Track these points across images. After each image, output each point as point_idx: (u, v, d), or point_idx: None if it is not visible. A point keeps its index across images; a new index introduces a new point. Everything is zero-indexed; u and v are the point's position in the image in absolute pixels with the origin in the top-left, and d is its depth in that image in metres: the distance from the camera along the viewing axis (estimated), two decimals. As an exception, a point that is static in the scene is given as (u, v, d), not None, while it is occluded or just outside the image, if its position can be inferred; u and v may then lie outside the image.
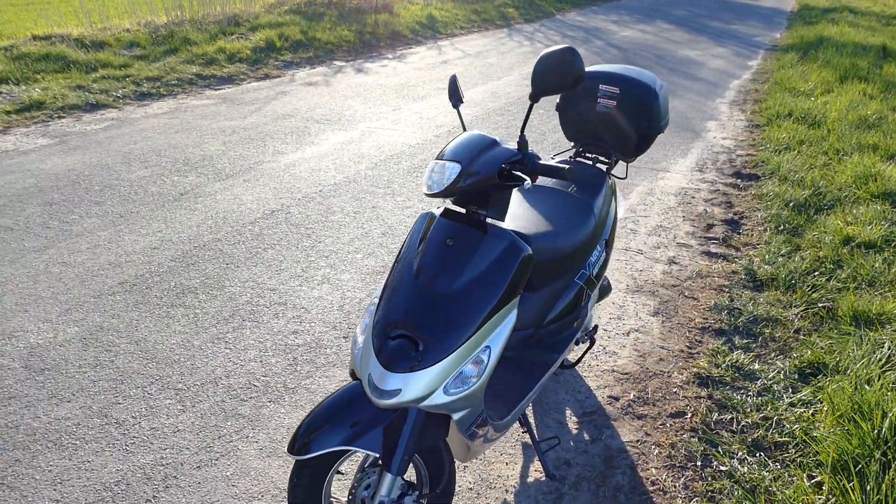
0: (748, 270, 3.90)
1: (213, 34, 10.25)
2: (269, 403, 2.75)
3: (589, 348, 2.82)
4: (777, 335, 3.28)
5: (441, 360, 1.79)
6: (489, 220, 1.99)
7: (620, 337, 3.29)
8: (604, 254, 2.65)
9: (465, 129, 2.03)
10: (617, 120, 2.78)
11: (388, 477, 1.89)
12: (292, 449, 1.85)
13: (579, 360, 2.84)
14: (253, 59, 9.31)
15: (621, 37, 12.63)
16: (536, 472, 2.46)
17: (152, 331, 3.21)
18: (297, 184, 5.09)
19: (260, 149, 5.88)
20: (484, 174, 1.84)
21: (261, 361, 3.01)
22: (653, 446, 2.60)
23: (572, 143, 2.97)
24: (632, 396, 2.87)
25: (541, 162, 1.86)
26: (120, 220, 4.39)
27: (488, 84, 8.49)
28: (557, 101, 2.91)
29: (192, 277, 3.69)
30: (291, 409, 2.73)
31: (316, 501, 1.92)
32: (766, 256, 4.03)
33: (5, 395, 2.75)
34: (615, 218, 2.79)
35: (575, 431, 2.66)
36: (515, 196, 2.58)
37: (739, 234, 4.47)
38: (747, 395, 2.86)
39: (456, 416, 1.87)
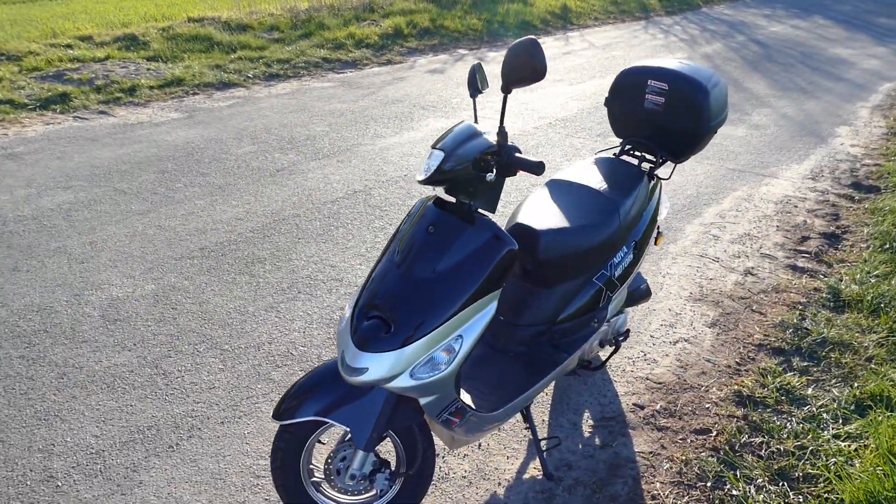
0: (832, 289, 3.58)
1: (346, 20, 10.70)
2: (299, 371, 2.91)
3: (614, 352, 2.74)
4: (844, 361, 3.00)
5: (409, 344, 1.83)
6: (481, 210, 1.99)
7: (666, 345, 3.15)
8: (630, 256, 2.55)
9: (476, 121, 2.03)
10: (664, 118, 2.66)
11: (360, 452, 1.96)
12: (275, 414, 1.97)
13: (603, 364, 2.77)
14: (379, 45, 9.63)
15: (768, 32, 11.80)
16: (535, 469, 2.44)
17: (216, 294, 3.48)
18: (386, 167, 5.25)
19: (361, 131, 6.11)
20: (462, 164, 1.85)
21: (304, 332, 3.18)
22: (665, 460, 2.49)
23: (620, 140, 2.87)
24: (658, 407, 2.76)
25: (516, 156, 1.84)
26: (218, 190, 4.76)
27: (606, 78, 8.26)
28: (606, 95, 2.82)
29: (263, 248, 3.95)
30: (316, 379, 2.87)
31: (295, 466, 2.03)
32: (858, 275, 3.67)
33: (79, 339, 3.10)
34: (652, 220, 2.67)
35: (587, 435, 2.61)
36: (541, 189, 2.55)
37: (836, 249, 4.10)
38: (788, 421, 2.66)
39: (423, 401, 1.91)
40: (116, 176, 5.00)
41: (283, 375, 2.89)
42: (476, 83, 2.26)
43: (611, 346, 2.72)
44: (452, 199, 2.00)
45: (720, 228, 4.37)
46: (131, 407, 2.70)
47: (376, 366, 1.83)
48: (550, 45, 10.22)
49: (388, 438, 2.09)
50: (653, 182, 2.73)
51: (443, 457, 2.48)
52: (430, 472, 2.12)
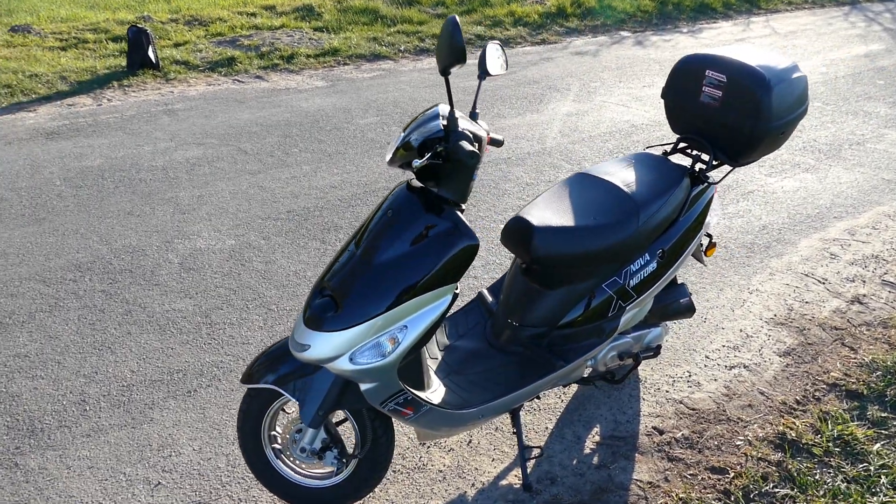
0: (956, 333, 3.01)
1: (510, -4, 10.58)
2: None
3: (633, 368, 2.51)
4: (934, 420, 2.52)
5: (351, 327, 1.81)
6: (453, 201, 1.90)
7: (719, 369, 2.83)
8: (653, 265, 2.30)
9: (451, 103, 1.93)
10: (720, 114, 2.36)
11: (310, 427, 1.98)
12: (243, 377, 2.05)
13: (623, 379, 2.55)
14: (538, 23, 9.44)
15: None
16: (516, 476, 2.32)
17: (284, 256, 3.65)
18: (496, 149, 5.17)
19: (483, 110, 6.05)
20: (412, 148, 1.78)
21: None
22: (661, 494, 2.25)
23: (677, 137, 2.59)
24: (680, 435, 2.49)
25: (459, 143, 1.71)
26: (326, 158, 4.97)
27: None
28: (663, 87, 2.56)
29: (343, 217, 4.07)
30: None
31: (256, 431, 2.10)
32: None
33: (153, 282, 3.41)
34: (692, 228, 2.39)
35: (587, 451, 2.42)
36: (563, 182, 2.38)
37: None
38: (831, 477, 2.29)
39: (363, 387, 1.88)
40: (245, 137, 5.38)
41: (312, 341, 2.98)
42: (485, 63, 2.15)
43: (636, 360, 2.50)
44: (422, 185, 1.93)
45: (843, 246, 3.81)
46: (171, 350, 2.93)
47: (318, 344, 1.82)
48: (725, 31, 9.42)
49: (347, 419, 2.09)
50: (702, 186, 2.44)
51: (428, 447, 2.43)
52: (384, 458, 2.09)
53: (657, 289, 2.36)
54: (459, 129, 1.75)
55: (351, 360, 1.83)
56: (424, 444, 2.44)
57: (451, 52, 1.63)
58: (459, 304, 3.17)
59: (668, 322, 2.63)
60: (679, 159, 2.60)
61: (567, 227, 2.16)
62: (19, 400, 2.63)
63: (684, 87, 2.47)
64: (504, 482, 2.30)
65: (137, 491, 2.24)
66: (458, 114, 1.87)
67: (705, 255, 2.61)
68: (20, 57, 7.56)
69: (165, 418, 2.55)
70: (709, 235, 2.60)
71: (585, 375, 2.53)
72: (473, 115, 2.10)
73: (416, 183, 1.93)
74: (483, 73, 2.17)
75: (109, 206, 4.19)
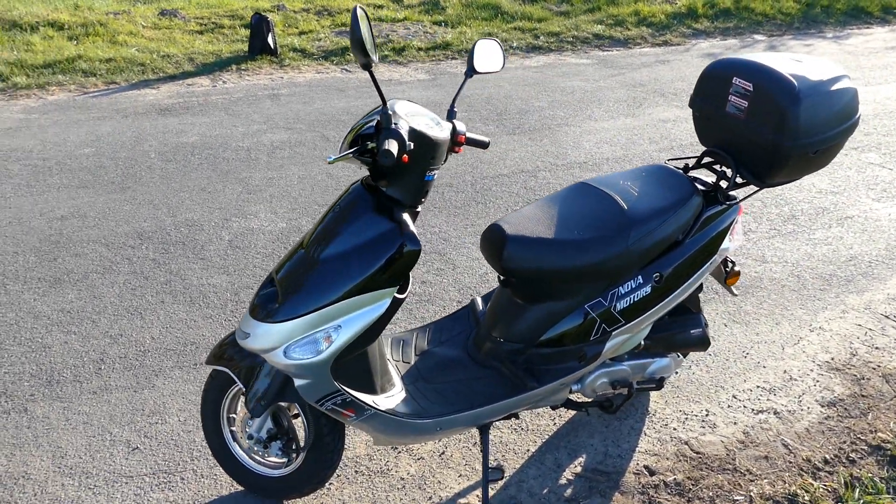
0: None
1: (642, -5, 10.12)
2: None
3: (626, 399, 2.30)
4: None
5: (286, 321, 1.79)
6: (403, 202, 1.82)
7: (744, 411, 2.54)
8: (648, 289, 2.09)
9: (381, 97, 1.82)
10: (745, 126, 2.10)
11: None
12: (208, 357, 2.09)
13: (617, 409, 2.34)
14: (663, 24, 8.98)
15: None
16: (477, 497, 2.20)
17: (326, 243, 3.70)
18: (572, 151, 4.96)
19: (577, 112, 5.83)
20: (349, 144, 1.72)
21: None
22: (628, 540, 2.05)
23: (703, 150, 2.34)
24: (672, 479, 2.26)
25: (381, 146, 1.61)
26: (401, 150, 4.98)
27: (892, 86, 6.63)
28: (691, 94, 2.31)
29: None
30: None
31: (216, 411, 2.13)
32: None
33: (199, 256, 3.57)
34: (702, 251, 2.14)
35: (563, 482, 2.25)
36: (560, 191, 2.22)
37: None
38: (835, 554, 1.98)
39: (297, 383, 1.84)
40: (332, 124, 5.52)
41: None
42: (472, 60, 2.05)
43: (629, 390, 2.29)
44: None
45: (942, 290, 3.31)
46: (193, 322, 3.05)
47: (257, 334, 1.82)
48: (876, 37, 8.49)
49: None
50: (721, 206, 2.18)
51: (398, 452, 2.36)
52: (330, 457, 2.05)
53: (653, 316, 2.14)
54: (392, 127, 1.66)
55: (285, 353, 1.80)
56: (395, 448, 2.37)
57: (352, 44, 1.55)
58: (452, 308, 3.07)
59: (680, 354, 2.39)
60: (705, 176, 2.35)
61: (543, 238, 2.01)
62: (49, 352, 2.83)
63: (711, 96, 2.22)
64: (463, 500, 2.19)
65: (116, 452, 2.34)
66: (406, 110, 1.79)
67: (725, 284, 2.34)
68: (161, 38, 8.20)
69: (165, 387, 2.66)
70: (730, 262, 2.33)
71: (576, 400, 2.35)
72: (451, 114, 2.01)
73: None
74: (470, 70, 2.07)
75: (189, 180, 4.43)
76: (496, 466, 2.11)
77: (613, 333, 2.11)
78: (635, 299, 2.09)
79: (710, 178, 2.27)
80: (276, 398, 1.93)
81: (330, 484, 2.22)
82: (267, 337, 1.80)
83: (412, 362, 2.24)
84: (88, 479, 2.23)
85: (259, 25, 7.51)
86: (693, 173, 2.30)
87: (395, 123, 1.67)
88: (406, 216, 1.80)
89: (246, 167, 4.66)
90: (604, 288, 2.08)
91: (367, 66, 1.59)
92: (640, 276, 2.09)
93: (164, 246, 3.64)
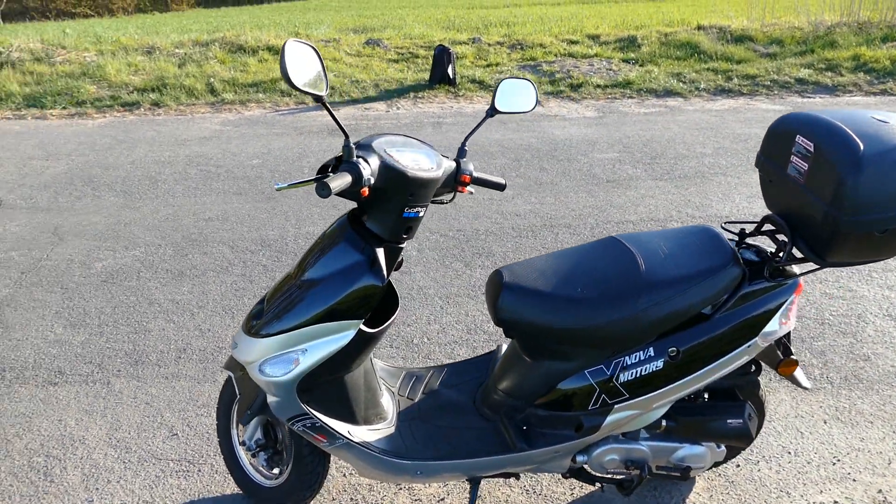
0: None
1: (868, 39, 9.05)
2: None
3: (637, 484, 2.05)
4: None
5: (263, 337, 1.86)
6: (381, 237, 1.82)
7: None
8: (659, 364, 1.86)
9: (343, 133, 1.81)
10: (804, 192, 1.81)
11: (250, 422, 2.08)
12: (225, 362, 2.24)
13: (630, 491, 2.10)
14: (886, 70, 7.95)
15: None
16: (459, 552, 2.10)
17: (421, 271, 3.75)
18: (717, 203, 4.56)
19: (741, 162, 5.36)
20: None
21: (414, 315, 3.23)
22: None
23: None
24: (678, 585, 1.97)
25: (336, 178, 1.58)
26: (535, 185, 4.92)
27: None
28: (758, 152, 2.03)
29: (504, 246, 4.01)
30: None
31: (227, 414, 2.26)
32: None
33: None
34: (739, 330, 1.86)
35: (554, 557, 2.07)
36: (592, 242, 2.06)
37: None
38: None
39: (269, 399, 1.90)
40: (479, 155, 5.60)
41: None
42: (494, 98, 2.00)
43: (641, 473, 2.05)
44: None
45: None
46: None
47: (241, 346, 1.91)
48: None
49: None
50: (770, 282, 1.88)
51: (399, 489, 2.32)
52: (309, 479, 2.07)
53: (667, 395, 1.89)
54: (353, 160, 1.65)
55: (260, 368, 1.86)
56: (398, 486, 2.33)
57: (285, 79, 1.56)
58: (479, 351, 2.94)
59: (722, 445, 2.08)
60: (768, 246, 2.05)
61: (540, 291, 1.88)
62: (147, 335, 3.19)
63: (774, 155, 1.93)
64: (441, 552, 2.09)
65: (158, 434, 2.57)
66: (393, 145, 1.77)
67: (777, 371, 2.01)
68: (358, 65, 8.90)
69: (188, 371, 2.86)
70: (783, 346, 2.00)
71: (591, 472, 2.15)
72: (460, 153, 1.96)
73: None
74: (491, 109, 2.01)
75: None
76: None
77: (616, 407, 1.91)
78: (643, 373, 1.87)
79: (773, 248, 1.98)
80: (259, 410, 2.00)
81: (320, 505, 2.24)
82: (248, 350, 1.88)
83: (416, 400, 2.20)
84: (126, 454, 2.47)
85: (441, 56, 7.85)
86: (755, 241, 2.02)
87: (361, 157, 1.67)
88: (381, 252, 1.79)
89: (381, 189, 4.88)
90: (607, 355, 1.89)
91: (318, 100, 1.61)
92: (651, 349, 1.87)
93: (277, 254, 3.93)
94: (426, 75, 8.27)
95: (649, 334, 1.85)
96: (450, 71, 7.86)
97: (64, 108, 6.83)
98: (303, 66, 1.56)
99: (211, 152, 5.64)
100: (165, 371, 2.92)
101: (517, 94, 2.02)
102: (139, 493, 2.29)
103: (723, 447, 2.09)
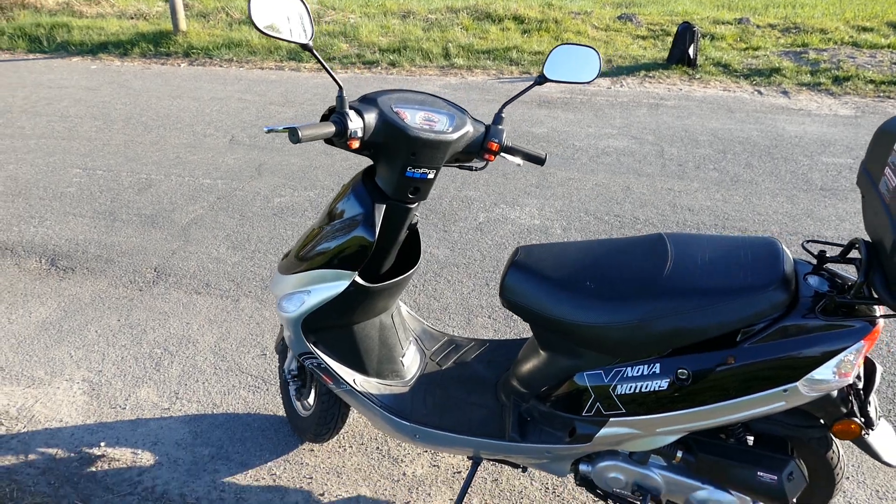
0: None
1: None
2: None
3: (637, 508, 1.82)
4: None
5: (283, 275, 2.00)
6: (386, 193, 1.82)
7: None
8: (661, 383, 1.61)
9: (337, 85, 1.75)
10: (886, 215, 1.43)
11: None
12: None
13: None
14: None
15: None
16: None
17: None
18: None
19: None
20: None
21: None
22: None
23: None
24: None
25: (312, 127, 1.58)
26: (728, 182, 4.42)
27: None
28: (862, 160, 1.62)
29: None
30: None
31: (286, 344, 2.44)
32: None
33: (445, 233, 3.88)
34: (768, 369, 1.54)
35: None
36: (649, 235, 1.85)
37: None
38: None
39: (284, 332, 2.04)
40: (683, 142, 5.17)
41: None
42: (544, 65, 1.87)
43: (643, 499, 1.81)
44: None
45: None
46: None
47: (273, 280, 2.07)
48: None
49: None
50: (823, 320, 1.52)
51: (423, 451, 2.33)
52: (328, 417, 2.18)
53: (672, 423, 1.64)
54: (344, 111, 1.64)
55: (279, 303, 2.00)
56: (425, 450, 2.34)
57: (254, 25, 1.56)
58: (520, 334, 2.76)
59: (758, 501, 1.75)
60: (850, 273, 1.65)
61: (547, 278, 1.73)
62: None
63: (872, 165, 1.54)
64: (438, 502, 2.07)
65: (251, 352, 2.84)
66: (405, 101, 1.75)
67: (832, 433, 1.63)
68: (602, 39, 8.65)
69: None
70: (854, 404, 1.60)
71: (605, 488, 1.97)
72: (496, 119, 1.86)
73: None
74: (540, 76, 1.87)
75: (492, 168, 4.76)
76: None
77: (611, 420, 1.71)
78: (642, 390, 1.64)
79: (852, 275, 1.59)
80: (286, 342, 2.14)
81: (345, 448, 2.33)
82: (276, 284, 2.03)
83: (443, 367, 2.18)
84: (221, 362, 2.79)
85: (683, 34, 7.31)
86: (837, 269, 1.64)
87: (356, 110, 1.67)
88: (381, 208, 1.79)
89: (563, 164, 4.75)
90: (606, 361, 1.69)
91: (304, 48, 1.62)
92: (657, 365, 1.63)
93: (427, 213, 4.06)
94: (663, 54, 7.75)
95: (656, 348, 1.62)
96: (690, 51, 7.26)
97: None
98: (281, 11, 1.58)
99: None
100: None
101: (575, 63, 1.86)
102: (213, 396, 2.58)
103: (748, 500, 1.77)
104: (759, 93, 6.57)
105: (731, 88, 6.73)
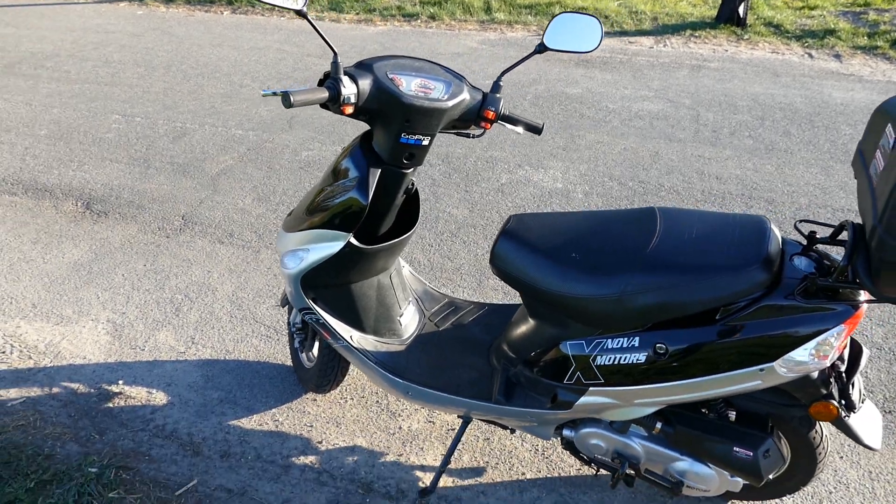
0: None
1: None
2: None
3: (619, 478, 1.87)
4: None
5: (286, 232, 2.06)
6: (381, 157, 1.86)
7: None
8: (639, 356, 1.64)
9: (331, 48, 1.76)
10: (870, 197, 1.41)
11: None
12: None
13: (614, 483, 1.92)
14: None
15: None
16: (427, 475, 2.14)
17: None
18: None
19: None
20: None
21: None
22: None
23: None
24: None
25: (305, 92, 1.61)
26: (762, 150, 4.31)
27: None
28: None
29: (654, 202, 3.65)
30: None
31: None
32: None
33: (464, 192, 3.90)
34: (745, 346, 1.55)
35: (519, 520, 2.01)
36: (649, 208, 1.85)
37: None
38: None
39: (286, 288, 2.11)
40: (721, 107, 5.03)
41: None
42: (544, 33, 1.86)
43: (620, 468, 1.86)
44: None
45: None
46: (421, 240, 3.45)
47: (279, 237, 2.14)
48: None
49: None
50: (806, 302, 1.52)
51: (420, 409, 2.41)
52: (328, 370, 2.27)
53: (649, 395, 1.67)
54: (338, 76, 1.67)
55: (282, 259, 2.07)
56: (417, 408, 2.42)
57: None
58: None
59: (738, 477, 1.78)
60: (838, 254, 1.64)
61: (535, 247, 1.75)
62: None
63: (865, 148, 1.51)
64: (420, 474, 2.16)
65: (267, 302, 2.95)
66: (402, 68, 1.76)
67: (810, 414, 1.64)
68: (651, -3, 8.35)
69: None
70: (834, 386, 1.60)
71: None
72: (493, 87, 1.87)
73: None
74: (540, 45, 1.86)
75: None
76: (425, 489, 2.05)
77: (591, 389, 1.75)
78: (621, 362, 1.68)
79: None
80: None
81: (346, 400, 2.43)
82: (280, 241, 2.10)
83: (441, 328, 2.23)
84: (237, 310, 2.90)
85: (734, -8, 7.02)
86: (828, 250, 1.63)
87: (351, 75, 1.69)
88: (375, 172, 1.82)
89: (593, 125, 4.69)
90: (588, 331, 1.72)
91: (298, 13, 1.64)
92: (636, 339, 1.65)
93: (450, 171, 4.07)
94: (713, 12, 7.47)
95: (636, 322, 1.64)
96: (741, 10, 6.99)
97: (357, 13, 7.61)
98: None
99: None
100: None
101: (576, 31, 1.84)
102: (226, 343, 2.70)
103: (739, 479, 1.80)
104: (810, 56, 6.31)
105: (779, 50, 6.47)
